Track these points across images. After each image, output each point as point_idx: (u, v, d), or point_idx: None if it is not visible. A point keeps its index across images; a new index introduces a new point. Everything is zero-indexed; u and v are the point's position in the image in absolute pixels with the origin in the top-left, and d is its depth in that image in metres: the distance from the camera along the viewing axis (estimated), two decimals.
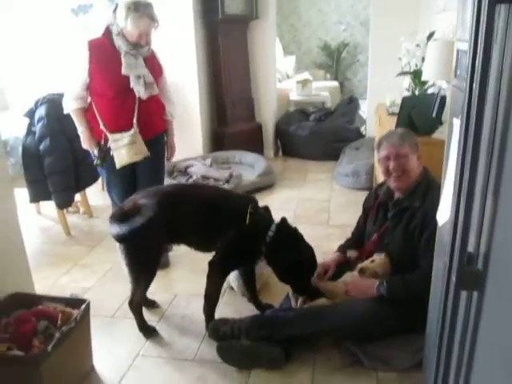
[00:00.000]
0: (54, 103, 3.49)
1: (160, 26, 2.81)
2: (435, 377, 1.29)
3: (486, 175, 1.06)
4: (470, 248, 1.11)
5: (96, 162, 2.90)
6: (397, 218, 2.27)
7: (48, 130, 3.45)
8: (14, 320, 1.99)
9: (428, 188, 2.20)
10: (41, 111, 3.51)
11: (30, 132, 3.57)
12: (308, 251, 2.42)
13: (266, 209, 2.45)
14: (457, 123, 1.26)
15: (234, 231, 2.31)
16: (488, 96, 1.03)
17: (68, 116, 2.94)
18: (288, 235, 2.39)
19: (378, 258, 2.29)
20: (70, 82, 2.81)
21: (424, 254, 2.07)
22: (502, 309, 0.97)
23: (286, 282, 2.44)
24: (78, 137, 2.94)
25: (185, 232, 2.45)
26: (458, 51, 1.39)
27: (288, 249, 2.35)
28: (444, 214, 1.35)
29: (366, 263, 2.29)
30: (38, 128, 3.49)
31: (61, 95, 3.60)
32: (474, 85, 1.03)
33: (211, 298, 2.44)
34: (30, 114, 3.60)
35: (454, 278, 1.08)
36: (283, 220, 2.43)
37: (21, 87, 5.15)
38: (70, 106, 2.85)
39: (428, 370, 1.61)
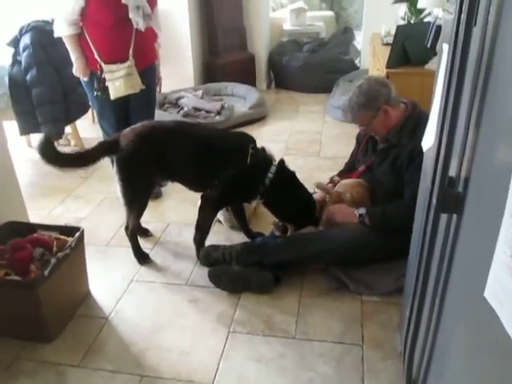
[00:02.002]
0: (39, 31, 3.40)
1: None
2: (413, 298, 1.36)
3: (470, 101, 1.07)
4: (452, 172, 1.13)
5: (96, 93, 2.84)
6: (384, 153, 2.30)
7: (34, 60, 3.37)
8: (11, 247, 2.05)
9: (417, 123, 2.18)
10: (25, 39, 3.41)
11: (15, 61, 3.48)
12: (306, 197, 2.47)
13: (263, 149, 2.44)
14: (446, 48, 1.25)
15: (234, 170, 2.32)
16: (478, 20, 1.01)
17: (54, 44, 2.86)
18: (287, 179, 2.43)
19: (344, 183, 2.38)
20: (64, 4, 2.64)
21: (408, 185, 2.12)
22: (477, 231, 1.01)
23: (282, 220, 2.51)
24: (66, 66, 2.87)
25: (180, 169, 2.45)
26: None
27: (286, 193, 2.39)
28: (429, 139, 1.37)
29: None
30: (23, 57, 3.41)
31: (46, 22, 3.50)
32: (464, 6, 1.01)
33: (202, 230, 2.51)
34: (15, 42, 3.50)
35: (434, 201, 1.12)
36: (282, 162, 2.44)
37: (2, 13, 4.94)
38: (62, 31, 2.72)
39: (407, 293, 1.70)
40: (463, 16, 1.02)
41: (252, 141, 2.41)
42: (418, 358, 1.43)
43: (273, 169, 2.38)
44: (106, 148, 2.37)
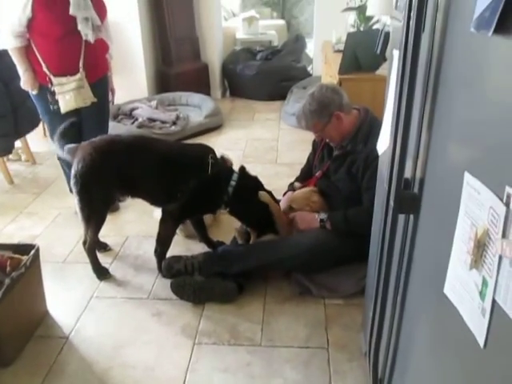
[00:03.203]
0: None
1: None
2: (375, 298, 1.39)
3: (422, 104, 1.10)
4: (408, 174, 1.17)
5: (53, 107, 2.75)
6: (340, 160, 2.34)
7: None
8: None
9: (370, 129, 2.23)
10: None
11: None
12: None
13: (223, 158, 2.43)
14: (396, 54, 1.29)
15: (196, 181, 2.29)
16: (425, 26, 1.05)
17: (0, 57, 2.75)
18: (250, 185, 2.43)
19: (301, 192, 2.41)
20: (10, 16, 2.55)
21: (366, 191, 2.16)
22: (435, 230, 1.04)
23: (251, 227, 2.50)
24: (13, 79, 2.78)
25: (141, 184, 2.40)
26: None
27: (251, 199, 2.39)
28: (383, 143, 1.41)
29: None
30: None
31: None
32: (412, 13, 1.05)
33: (164, 243, 2.47)
34: None
35: (392, 203, 1.15)
36: (242, 169, 2.44)
37: None
38: (9, 44, 2.64)
39: (369, 294, 1.73)
40: (412, 23, 1.05)
41: (211, 151, 2.39)
42: (383, 356, 1.45)
43: (234, 176, 2.38)
44: None
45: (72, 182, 2.29)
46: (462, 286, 0.82)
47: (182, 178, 2.30)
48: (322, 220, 2.27)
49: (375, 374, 1.52)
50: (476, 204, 0.76)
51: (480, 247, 0.74)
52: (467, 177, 0.80)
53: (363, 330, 1.96)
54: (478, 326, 0.77)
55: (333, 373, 1.87)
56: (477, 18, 0.71)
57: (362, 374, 1.83)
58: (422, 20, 1.05)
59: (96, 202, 2.35)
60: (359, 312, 2.14)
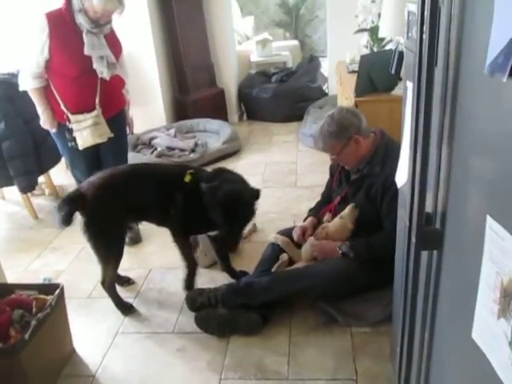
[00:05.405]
0: (5, 84, 3.37)
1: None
2: (402, 333, 1.35)
3: (439, 137, 1.09)
4: (429, 208, 1.14)
5: (71, 144, 2.80)
6: (358, 184, 2.32)
7: (2, 113, 3.33)
8: None
9: (386, 152, 2.22)
10: None
11: None
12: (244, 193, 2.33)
13: (204, 170, 2.49)
14: (410, 86, 1.27)
15: (180, 195, 2.34)
16: (438, 59, 1.04)
17: (21, 97, 2.82)
18: (232, 178, 2.40)
19: (332, 223, 2.35)
20: (28, 58, 2.63)
21: (387, 215, 2.13)
22: (459, 267, 1.01)
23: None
24: (34, 118, 2.84)
25: (142, 209, 2.46)
26: (408, 12, 1.39)
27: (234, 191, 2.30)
28: (402, 176, 1.39)
29: (319, 229, 2.38)
30: None
31: (11, 75, 3.48)
32: (424, 47, 1.04)
33: (187, 260, 2.51)
34: None
35: (414, 239, 1.13)
36: (221, 170, 2.47)
37: None
38: (28, 85, 2.71)
39: (395, 327, 1.69)
40: (424, 57, 1.04)
41: (190, 168, 2.48)
42: None
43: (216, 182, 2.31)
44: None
45: (83, 228, 2.32)
46: (490, 334, 0.79)
47: (170, 194, 2.36)
48: (344, 253, 2.24)
49: None
50: (500, 250, 0.74)
51: (507, 296, 0.71)
52: (489, 221, 0.78)
53: (391, 360, 1.91)
54: (509, 377, 0.74)
55: None
56: (490, 63, 0.70)
57: None
58: (434, 54, 1.03)
59: (112, 240, 2.38)
60: (387, 340, 2.09)
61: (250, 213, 2.35)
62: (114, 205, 2.33)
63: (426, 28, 1.01)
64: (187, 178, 2.36)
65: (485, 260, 0.80)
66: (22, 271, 2.96)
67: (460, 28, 0.94)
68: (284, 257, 2.48)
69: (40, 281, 2.65)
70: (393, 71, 3.00)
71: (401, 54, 2.94)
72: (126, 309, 2.48)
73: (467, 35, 0.91)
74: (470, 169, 0.93)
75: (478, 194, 0.90)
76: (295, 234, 2.49)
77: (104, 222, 2.32)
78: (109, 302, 2.50)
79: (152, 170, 2.60)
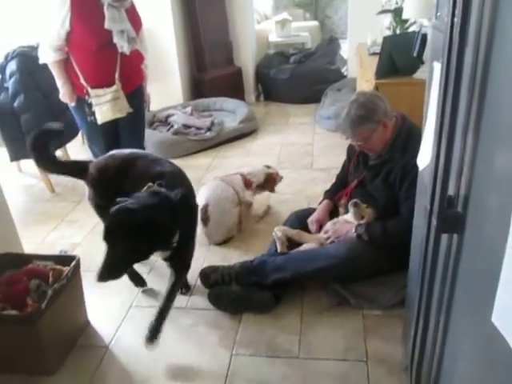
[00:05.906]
0: (25, 57, 3.38)
1: None
2: (417, 316, 1.35)
3: (466, 119, 1.06)
4: (451, 191, 1.13)
5: (90, 118, 2.81)
6: (376, 169, 2.29)
7: (21, 86, 3.35)
8: (6, 280, 2.01)
9: (408, 137, 2.18)
10: (12, 66, 3.39)
11: (2, 88, 3.46)
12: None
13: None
14: (437, 67, 1.25)
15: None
16: (468, 39, 1.01)
17: (41, 70, 2.83)
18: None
19: (370, 210, 2.33)
20: (49, 30, 2.62)
21: (404, 201, 2.12)
22: (480, 251, 1.00)
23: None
24: (53, 91, 2.85)
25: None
26: None
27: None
28: (425, 158, 1.37)
29: (363, 205, 2.33)
30: (10, 84, 3.38)
31: (31, 48, 3.48)
32: (455, 28, 1.01)
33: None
34: (1, 69, 3.48)
35: (434, 222, 1.11)
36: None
37: None
38: (48, 58, 2.71)
39: (410, 308, 1.68)
40: (455, 36, 1.01)
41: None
42: (426, 372, 1.41)
43: None
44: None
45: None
46: None
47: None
48: (359, 235, 2.24)
49: None
50: None
51: None
52: None
53: (403, 343, 1.92)
54: None
55: None
56: None
57: None
58: (466, 34, 1.01)
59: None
60: (399, 323, 2.09)
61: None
62: (105, 191, 2.21)
63: (458, 7, 0.99)
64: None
65: (510, 240, 0.79)
66: (39, 243, 3.00)
67: (495, 5, 0.91)
68: (278, 234, 2.48)
69: (56, 252, 2.69)
70: (415, 54, 2.97)
71: (424, 36, 2.91)
72: (139, 282, 2.49)
73: (502, 13, 0.88)
74: (496, 155, 0.91)
75: (504, 180, 0.88)
76: (312, 228, 2.50)
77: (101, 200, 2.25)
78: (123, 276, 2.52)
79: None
